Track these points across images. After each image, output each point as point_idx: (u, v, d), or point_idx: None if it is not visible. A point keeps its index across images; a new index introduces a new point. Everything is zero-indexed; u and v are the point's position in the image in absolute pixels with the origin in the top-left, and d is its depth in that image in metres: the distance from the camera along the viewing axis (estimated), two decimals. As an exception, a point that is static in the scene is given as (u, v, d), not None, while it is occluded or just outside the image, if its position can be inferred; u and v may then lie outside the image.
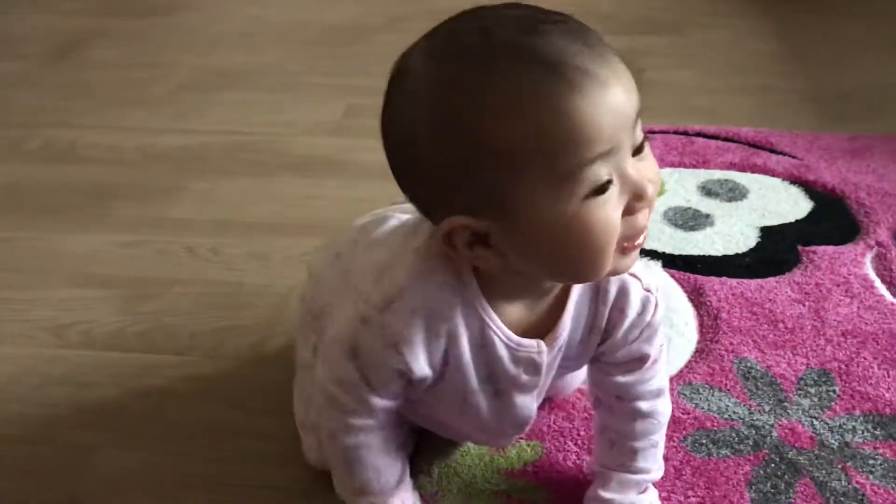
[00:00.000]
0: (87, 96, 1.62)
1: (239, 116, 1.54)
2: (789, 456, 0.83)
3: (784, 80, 1.64)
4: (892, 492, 0.79)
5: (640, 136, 0.58)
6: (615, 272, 0.61)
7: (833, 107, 1.52)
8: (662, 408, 0.75)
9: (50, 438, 0.88)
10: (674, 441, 0.84)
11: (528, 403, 0.71)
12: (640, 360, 0.71)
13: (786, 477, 0.81)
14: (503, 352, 0.66)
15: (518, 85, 0.54)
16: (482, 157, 0.55)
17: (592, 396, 0.77)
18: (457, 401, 0.68)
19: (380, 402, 0.67)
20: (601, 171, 0.56)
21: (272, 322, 1.02)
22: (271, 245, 1.17)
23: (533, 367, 0.68)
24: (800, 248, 1.13)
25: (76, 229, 1.22)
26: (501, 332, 0.65)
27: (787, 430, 0.86)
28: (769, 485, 0.80)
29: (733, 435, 0.85)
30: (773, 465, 0.82)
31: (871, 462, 0.82)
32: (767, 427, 0.86)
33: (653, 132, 1.37)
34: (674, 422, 0.82)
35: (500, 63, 0.54)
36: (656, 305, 0.69)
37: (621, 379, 0.72)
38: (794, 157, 1.34)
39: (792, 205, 1.22)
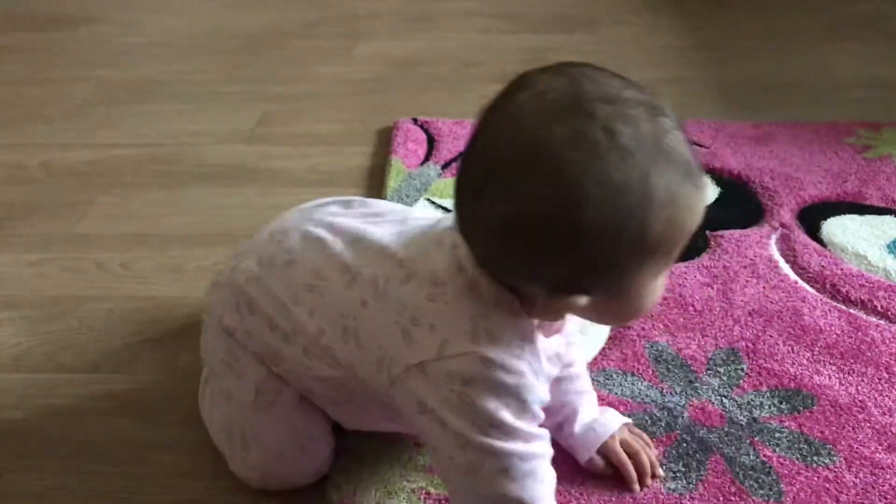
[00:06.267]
0: (-11, 113, 1.57)
1: (150, 128, 1.51)
2: (700, 435, 0.85)
3: (691, 71, 1.68)
4: (796, 462, 0.82)
5: None
6: None
7: (737, 96, 1.57)
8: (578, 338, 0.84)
9: (-48, 466, 0.85)
10: (589, 427, 0.85)
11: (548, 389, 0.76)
12: None
13: (697, 455, 0.83)
14: (542, 356, 0.69)
15: (666, 184, 0.57)
16: (632, 246, 0.58)
17: None
18: None
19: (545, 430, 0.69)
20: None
21: (185, 334, 1.00)
22: (185, 256, 1.15)
23: (559, 360, 0.74)
24: (708, 233, 1.16)
25: (-21, 250, 1.18)
26: (544, 342, 0.69)
27: (698, 410, 0.88)
28: (681, 464, 0.82)
29: (646, 418, 0.87)
30: (684, 444, 0.84)
31: (777, 435, 0.85)
32: (679, 408, 0.88)
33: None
34: (587, 408, 0.84)
35: (652, 162, 0.57)
36: None
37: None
38: (700, 146, 1.37)
39: (700, 192, 1.26)
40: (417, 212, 0.70)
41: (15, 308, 1.06)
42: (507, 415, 0.64)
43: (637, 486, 0.79)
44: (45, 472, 0.84)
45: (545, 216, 0.57)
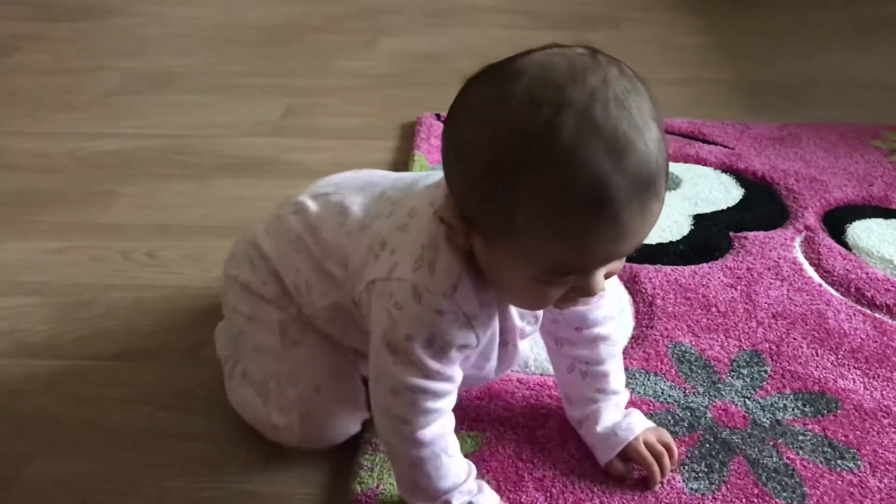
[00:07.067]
0: (15, 102, 1.59)
1: (174, 119, 1.52)
2: (723, 436, 0.85)
3: (715, 72, 1.68)
4: (820, 465, 0.82)
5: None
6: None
7: (762, 97, 1.57)
8: (616, 331, 0.84)
9: (-19, 449, 0.86)
10: (611, 426, 0.85)
11: (524, 347, 0.83)
12: None
13: (720, 456, 0.83)
14: (513, 310, 0.75)
15: (572, 204, 0.57)
16: (511, 204, 0.59)
17: (551, 339, 0.83)
18: (478, 357, 0.76)
19: (457, 373, 0.72)
20: (563, 278, 0.63)
21: (210, 323, 1.00)
22: (208, 247, 1.16)
23: (535, 319, 0.79)
24: (731, 234, 1.16)
25: (5, 237, 1.19)
26: None
27: (720, 411, 0.88)
28: (703, 464, 0.82)
29: (669, 418, 0.87)
30: (707, 445, 0.84)
31: (800, 438, 0.85)
32: (702, 409, 0.88)
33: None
34: (611, 407, 0.84)
35: (576, 176, 0.57)
36: None
37: (579, 308, 0.78)
38: (725, 147, 1.37)
39: (724, 192, 1.26)
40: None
41: (42, 294, 1.07)
42: (415, 345, 0.68)
43: (658, 487, 0.79)
44: (73, 457, 0.84)
45: (461, 119, 0.62)
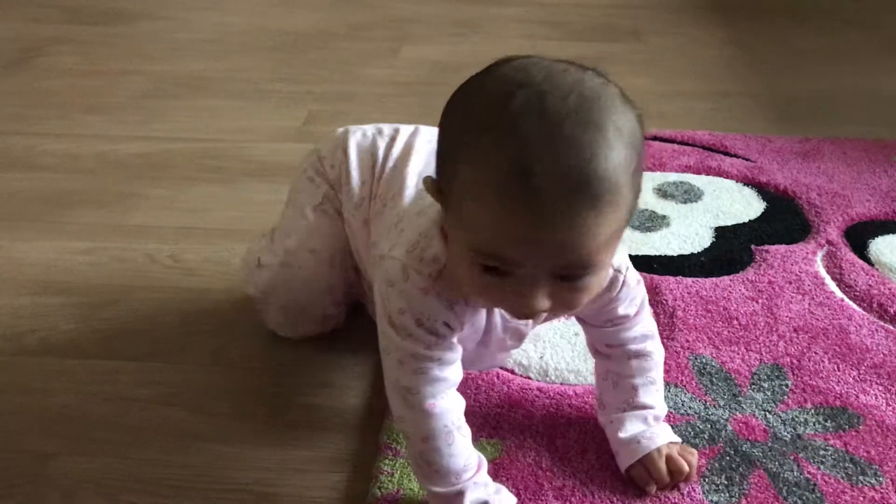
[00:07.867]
0: (45, 104, 1.61)
1: (200, 123, 1.54)
2: (743, 449, 0.85)
3: (738, 85, 1.68)
4: (841, 481, 0.81)
5: (568, 268, 0.61)
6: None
7: (784, 111, 1.56)
8: (653, 348, 0.83)
9: (6, 446, 0.87)
10: (631, 436, 0.85)
11: (504, 358, 0.91)
12: (619, 319, 0.80)
13: (740, 469, 0.82)
14: (498, 319, 0.78)
15: (498, 171, 0.57)
16: (456, 164, 0.61)
17: (591, 347, 0.85)
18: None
19: (457, 346, 0.74)
20: (501, 267, 0.62)
21: (233, 327, 1.02)
22: (232, 251, 1.17)
23: (518, 336, 0.82)
24: (753, 247, 1.16)
25: (33, 237, 1.20)
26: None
27: (741, 424, 0.88)
28: (724, 477, 0.82)
29: (689, 430, 0.87)
30: (727, 457, 0.84)
31: (821, 453, 0.84)
32: (722, 421, 0.88)
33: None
34: (631, 417, 0.84)
35: (507, 146, 0.57)
36: (623, 282, 0.77)
37: (607, 330, 0.81)
38: (747, 160, 1.37)
39: (745, 205, 1.25)
40: None
41: (67, 294, 1.09)
42: (407, 318, 0.71)
43: (677, 496, 0.79)
44: (96, 456, 0.85)
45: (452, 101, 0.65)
